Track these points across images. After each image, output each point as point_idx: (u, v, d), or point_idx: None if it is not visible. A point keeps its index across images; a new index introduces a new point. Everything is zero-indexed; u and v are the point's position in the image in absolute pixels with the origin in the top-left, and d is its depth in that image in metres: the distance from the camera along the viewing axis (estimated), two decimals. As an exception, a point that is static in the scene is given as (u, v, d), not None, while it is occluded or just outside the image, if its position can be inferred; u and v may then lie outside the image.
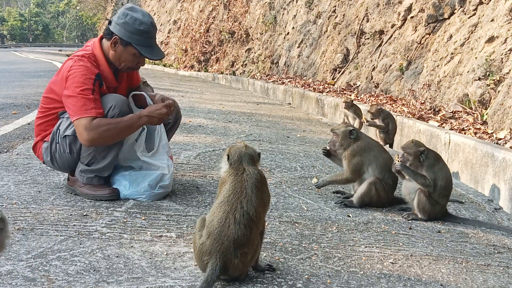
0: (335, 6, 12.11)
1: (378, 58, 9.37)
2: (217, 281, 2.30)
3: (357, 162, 3.72)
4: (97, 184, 3.49)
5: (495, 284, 2.60)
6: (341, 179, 3.82)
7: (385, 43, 9.43)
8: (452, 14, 7.63)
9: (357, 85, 9.88)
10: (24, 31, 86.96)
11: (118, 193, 3.49)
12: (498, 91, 5.70)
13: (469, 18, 7.05)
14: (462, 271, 2.72)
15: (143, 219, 3.14)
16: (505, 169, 3.96)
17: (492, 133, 5.20)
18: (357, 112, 6.84)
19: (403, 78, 8.29)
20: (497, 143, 4.73)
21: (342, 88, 10.08)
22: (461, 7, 7.38)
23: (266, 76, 14.78)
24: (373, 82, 9.24)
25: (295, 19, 14.30)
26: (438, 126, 5.73)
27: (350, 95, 8.92)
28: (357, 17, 10.81)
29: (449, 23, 7.62)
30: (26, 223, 2.95)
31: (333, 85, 10.70)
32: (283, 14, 15.33)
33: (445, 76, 6.96)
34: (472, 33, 6.81)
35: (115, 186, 3.53)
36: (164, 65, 24.16)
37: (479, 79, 6.04)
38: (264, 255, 2.69)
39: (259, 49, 16.53)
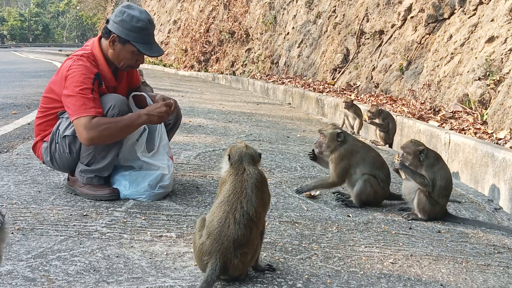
0: (335, 6, 12.12)
1: (378, 58, 9.37)
2: (217, 281, 2.30)
3: (344, 166, 3.68)
4: (97, 184, 3.49)
5: (495, 284, 2.60)
6: (326, 183, 3.77)
7: (385, 43, 9.43)
8: (452, 14, 7.63)
9: (357, 85, 9.88)
10: (24, 31, 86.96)
11: (118, 193, 3.49)
12: (498, 91, 5.70)
13: (469, 18, 7.05)
14: (462, 271, 2.72)
15: (143, 219, 3.14)
16: (505, 169, 3.96)
17: (492, 133, 5.20)
18: (357, 112, 6.84)
19: (403, 78, 8.29)
20: (497, 143, 4.73)
21: (342, 88, 10.08)
22: (461, 7, 7.37)
23: (266, 76, 14.78)
24: (373, 82, 9.24)
25: (295, 19, 14.30)
26: (438, 126, 5.73)
27: (350, 95, 8.92)
28: (357, 17, 10.81)
29: (449, 23, 7.62)
30: (26, 223, 2.95)
31: (333, 85, 10.70)
32: (283, 14, 15.33)
33: (445, 76, 6.96)
34: (472, 33, 6.81)
35: (115, 186, 3.53)
36: (164, 65, 24.16)
37: (479, 79, 6.04)
38: (264, 255, 2.69)
39: (259, 49, 16.53)
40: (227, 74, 17.24)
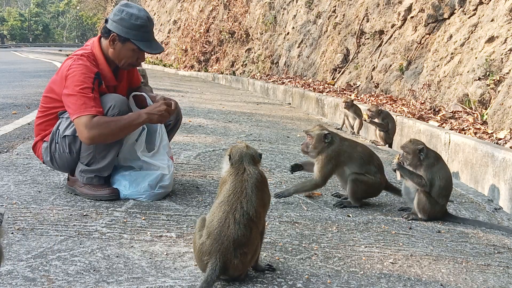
0: (335, 6, 12.12)
1: (378, 58, 9.37)
2: (217, 281, 2.30)
3: (330, 167, 3.64)
4: (97, 184, 3.48)
5: (495, 284, 2.60)
6: (309, 185, 3.69)
7: (385, 43, 9.43)
8: (452, 14, 7.63)
9: (357, 85, 9.88)
10: (24, 31, 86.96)
11: (118, 193, 3.49)
12: (498, 91, 5.70)
13: (469, 18, 7.05)
14: (462, 271, 2.72)
15: (143, 219, 3.14)
16: (505, 169, 3.96)
17: (492, 133, 5.20)
18: (357, 112, 6.85)
19: (403, 78, 8.29)
20: (497, 143, 4.73)
21: (342, 88, 10.08)
22: (461, 7, 7.37)
23: (266, 76, 14.78)
24: (373, 82, 9.24)
25: (295, 19, 14.30)
26: (438, 126, 5.73)
27: (350, 95, 8.92)
28: (357, 17, 10.81)
29: (449, 23, 7.62)
30: (26, 223, 2.95)
31: (333, 85, 10.70)
32: (283, 14, 15.33)
33: (445, 76, 6.96)
34: (472, 33, 6.81)
35: (115, 186, 3.53)
36: (164, 65, 24.16)
37: (479, 79, 6.04)
38: (264, 255, 2.69)
39: (259, 49, 16.53)
40: (227, 74, 17.24)
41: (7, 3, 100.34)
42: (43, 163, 3.66)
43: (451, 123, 5.87)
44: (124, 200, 3.47)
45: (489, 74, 5.90)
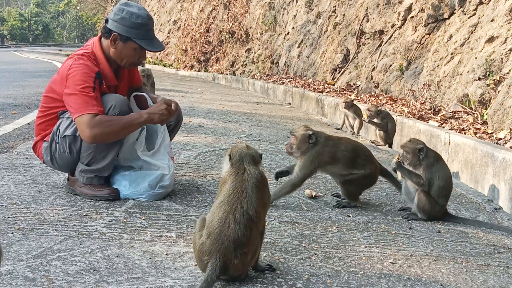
0: (335, 6, 12.12)
1: (378, 58, 9.37)
2: (217, 281, 2.30)
3: (312, 168, 3.57)
4: (97, 184, 3.48)
5: (495, 284, 2.60)
6: (287, 185, 3.58)
7: (385, 43, 9.43)
8: (452, 14, 7.63)
9: (357, 85, 9.88)
10: (24, 31, 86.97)
11: (118, 193, 3.49)
12: (498, 91, 5.70)
13: (469, 18, 7.05)
14: (462, 271, 2.72)
15: (143, 219, 3.14)
16: (505, 169, 3.96)
17: (492, 133, 5.20)
18: (357, 112, 6.85)
19: (403, 78, 8.29)
20: (497, 143, 4.73)
21: (342, 88, 10.08)
22: (461, 7, 7.38)
23: (266, 76, 14.78)
24: (373, 82, 9.24)
25: (295, 19, 14.30)
26: (438, 126, 5.73)
27: (350, 95, 8.92)
28: (357, 17, 10.81)
29: (449, 23, 7.62)
30: (26, 223, 2.95)
31: (333, 85, 10.70)
32: (283, 14, 15.33)
33: (445, 76, 6.96)
34: (472, 33, 6.81)
35: (115, 186, 3.53)
36: (164, 65, 24.16)
37: (479, 79, 6.04)
38: (264, 255, 2.69)
39: (259, 49, 16.53)
40: (227, 74, 17.25)
41: (7, 3, 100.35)
42: (43, 163, 3.66)
43: (451, 123, 5.87)
44: (124, 200, 3.47)
45: (489, 74, 5.90)
